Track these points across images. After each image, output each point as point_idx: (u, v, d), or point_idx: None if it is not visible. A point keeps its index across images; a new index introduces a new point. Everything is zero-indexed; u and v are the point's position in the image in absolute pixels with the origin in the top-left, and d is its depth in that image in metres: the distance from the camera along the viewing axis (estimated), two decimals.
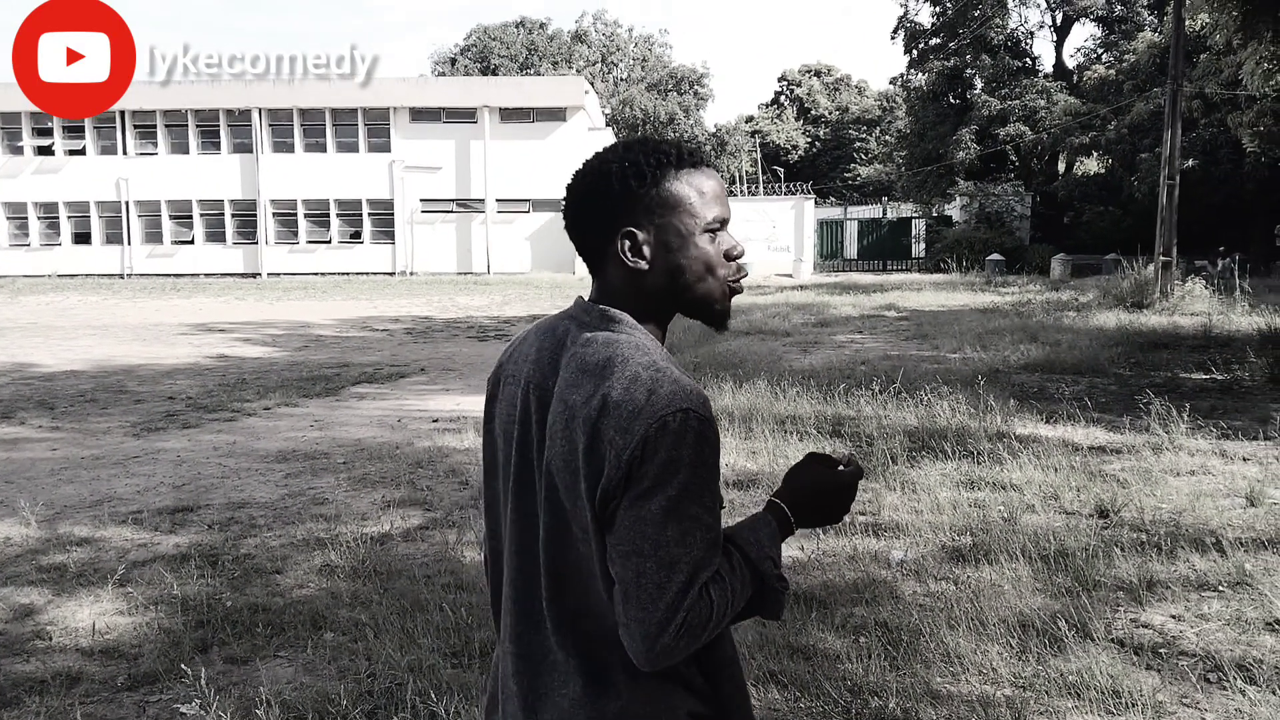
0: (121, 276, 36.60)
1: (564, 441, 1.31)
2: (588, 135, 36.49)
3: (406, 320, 19.82)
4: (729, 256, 1.43)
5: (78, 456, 7.57)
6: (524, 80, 43.04)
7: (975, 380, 8.73)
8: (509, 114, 36.12)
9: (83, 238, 37.49)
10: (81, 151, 37.11)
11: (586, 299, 1.45)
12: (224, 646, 3.90)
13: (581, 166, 1.46)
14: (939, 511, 5.46)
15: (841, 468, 1.47)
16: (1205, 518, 5.26)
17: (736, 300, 1.49)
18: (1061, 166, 38.86)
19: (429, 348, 15.05)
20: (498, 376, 1.51)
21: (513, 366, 1.47)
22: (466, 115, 36.43)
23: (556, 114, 35.97)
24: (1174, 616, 4.03)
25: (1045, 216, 37.21)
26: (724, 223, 1.44)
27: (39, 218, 37.40)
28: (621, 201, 1.39)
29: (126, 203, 36.91)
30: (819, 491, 1.45)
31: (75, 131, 36.99)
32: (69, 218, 37.41)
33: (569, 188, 1.45)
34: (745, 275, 1.49)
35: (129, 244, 37.12)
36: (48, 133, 37.09)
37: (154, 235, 37.54)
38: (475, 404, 9.77)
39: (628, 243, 1.39)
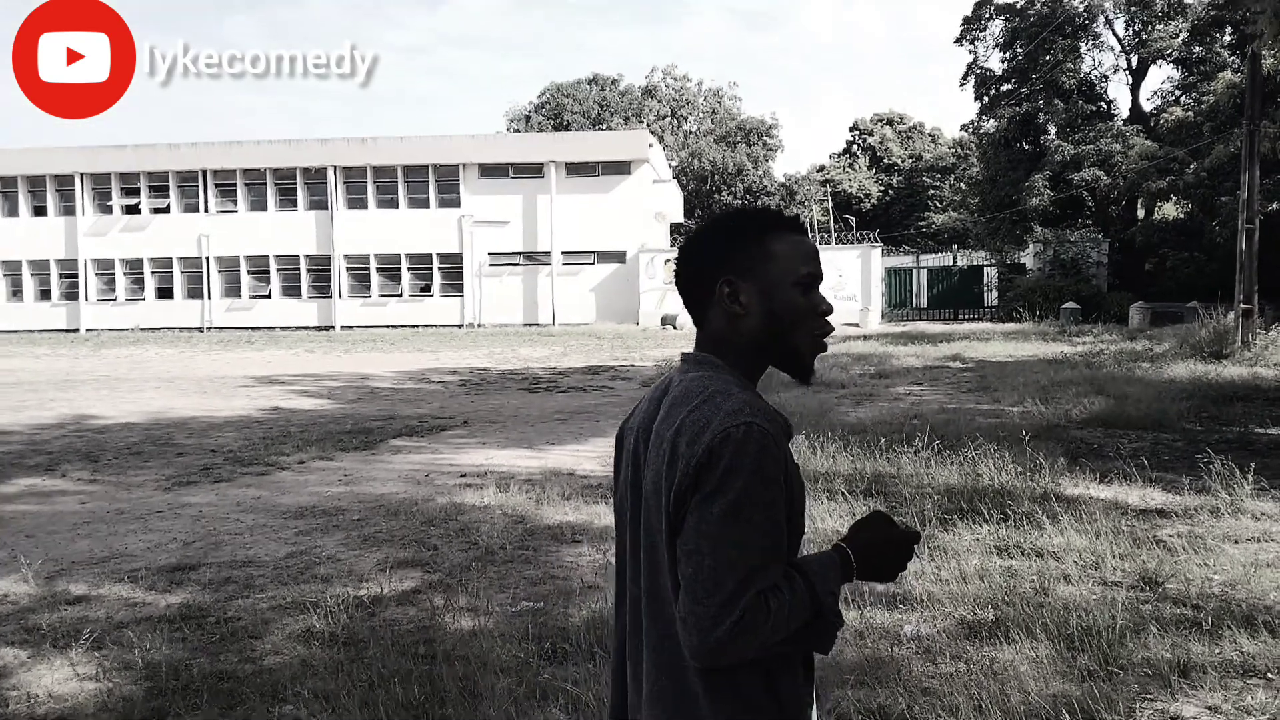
0: (201, 330, 37.73)
1: (654, 466, 1.48)
2: (652, 187, 36.73)
3: (464, 372, 19.89)
4: (819, 312, 1.58)
5: (103, 511, 7.58)
6: (589, 135, 43.63)
7: (1027, 436, 8.24)
8: (574, 168, 36.54)
9: (165, 292, 38.84)
10: (166, 209, 38.60)
11: (690, 351, 1.63)
12: (177, 718, 3.73)
13: (694, 229, 1.67)
14: (965, 581, 5.06)
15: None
16: (1260, 592, 4.78)
17: None
18: (1141, 212, 37.66)
19: (478, 400, 15.00)
20: (622, 432, 1.68)
21: (633, 420, 1.64)
22: (533, 170, 36.96)
23: (621, 167, 36.26)
24: (1210, 708, 3.59)
25: (1123, 263, 36.02)
26: (815, 279, 1.59)
27: (125, 273, 38.89)
28: (726, 254, 1.57)
29: (207, 258, 38.18)
30: (882, 547, 1.55)
31: (160, 190, 38.55)
32: (153, 273, 38.83)
33: (680, 247, 1.66)
34: (832, 330, 1.63)
35: (209, 298, 38.31)
36: (135, 192, 38.73)
37: (233, 290, 38.69)
38: (506, 458, 9.62)
39: (727, 289, 1.56)
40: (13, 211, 39.29)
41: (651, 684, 1.50)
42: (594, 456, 9.45)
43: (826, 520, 6.24)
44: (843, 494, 6.93)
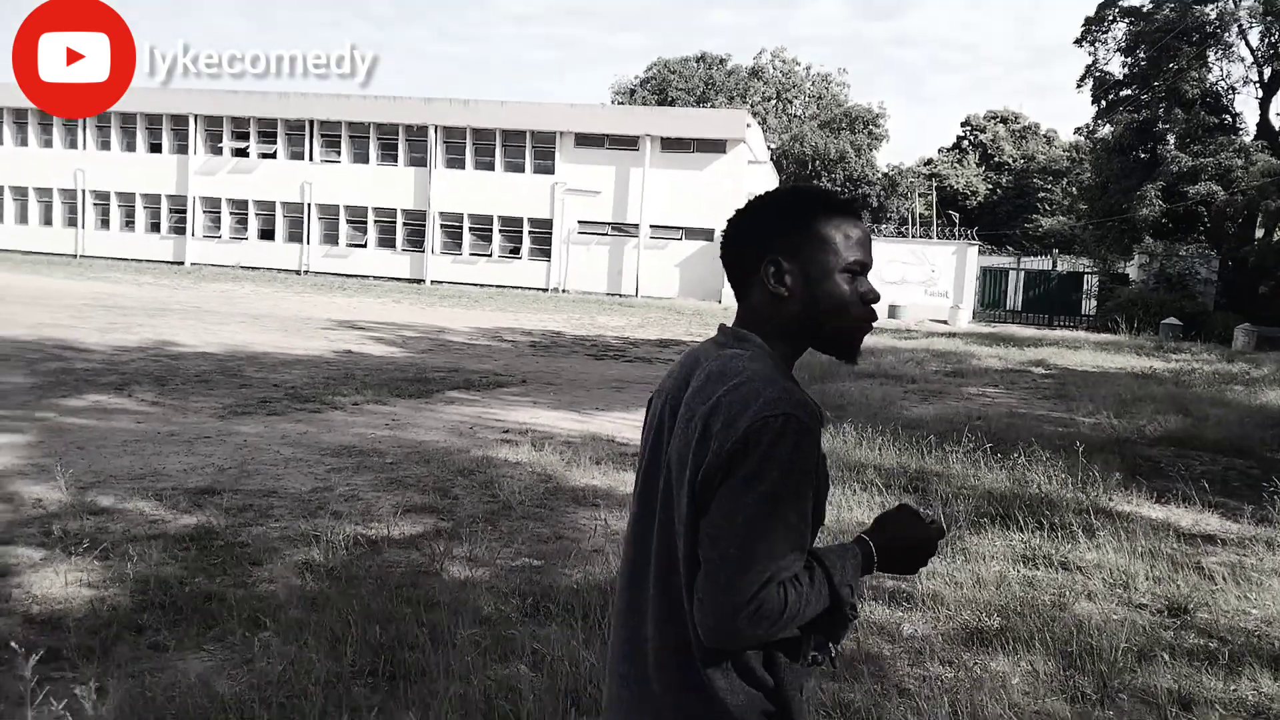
0: (299, 273, 38.78)
1: (682, 437, 1.45)
2: (747, 168, 36.25)
3: (538, 334, 20.02)
4: (864, 300, 1.54)
5: (155, 431, 7.83)
6: (687, 111, 43.35)
7: (1081, 447, 7.87)
8: (670, 143, 36.31)
9: (267, 234, 40.00)
10: (273, 155, 39.67)
11: (730, 324, 1.60)
12: (157, 633, 3.81)
13: (746, 202, 1.61)
14: (980, 586, 4.85)
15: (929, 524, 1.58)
16: None
17: (875, 342, 1.73)
18: (1259, 232, 35.69)
19: (543, 362, 15.07)
20: (651, 397, 1.68)
21: (662, 384, 1.65)
22: (629, 143, 36.86)
23: (717, 145, 35.89)
24: None
25: (1235, 284, 34.23)
26: (864, 267, 1.55)
27: (230, 213, 40.16)
28: (774, 233, 1.54)
29: (309, 205, 39.15)
30: (905, 541, 1.55)
31: (268, 137, 39.63)
32: (256, 215, 40.00)
33: (730, 219, 1.60)
34: (875, 320, 1.60)
35: (308, 243, 39.33)
36: (244, 136, 39.89)
37: (331, 237, 39.64)
38: (552, 418, 9.63)
39: (773, 269, 1.52)
40: (130, 147, 40.88)
41: (655, 651, 1.49)
42: (638, 425, 9.29)
43: (854, 511, 6.07)
44: (878, 486, 6.73)
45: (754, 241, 1.56)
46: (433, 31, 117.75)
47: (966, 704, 3.44)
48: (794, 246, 1.53)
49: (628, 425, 9.47)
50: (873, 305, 1.56)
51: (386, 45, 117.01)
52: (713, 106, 55.53)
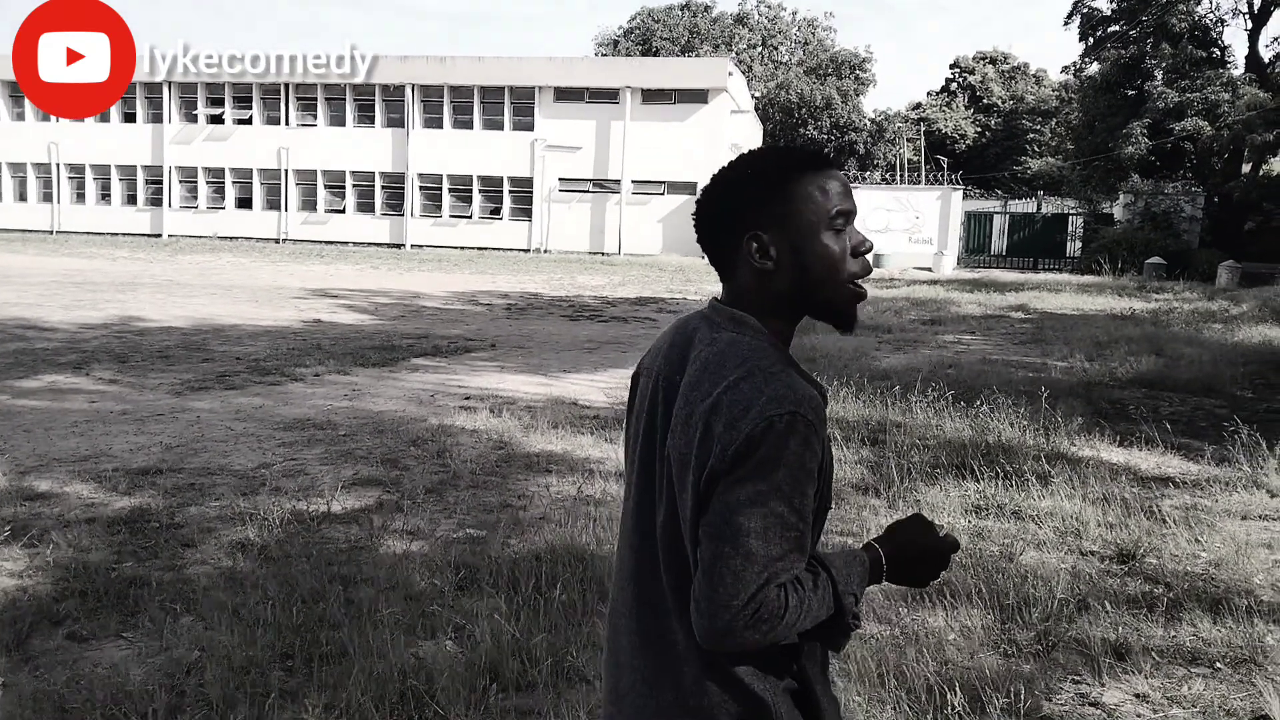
0: (277, 241, 38.42)
1: (683, 434, 1.38)
2: (730, 118, 35.87)
3: (514, 296, 19.85)
4: (855, 252, 1.45)
5: (107, 411, 7.72)
6: (667, 61, 42.78)
7: (1045, 392, 7.79)
8: (651, 95, 35.85)
9: (245, 203, 39.58)
10: (248, 121, 39.11)
11: (719, 300, 1.50)
12: (76, 622, 3.73)
13: (711, 178, 1.52)
14: None
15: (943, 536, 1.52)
16: (1246, 574, 4.42)
17: None
18: (1246, 168, 35.42)
19: (516, 325, 14.94)
20: (638, 373, 1.59)
21: (649, 360, 1.56)
22: (609, 96, 36.38)
23: (699, 96, 35.45)
24: (1137, 696, 3.31)
25: (1220, 220, 34.07)
26: (848, 217, 1.45)
27: (207, 182, 39.68)
28: (749, 206, 1.44)
29: (286, 171, 38.69)
30: (918, 552, 1.48)
31: (244, 102, 39.06)
32: (233, 183, 39.53)
33: (699, 199, 1.51)
34: (870, 272, 1.51)
35: (286, 210, 38.92)
36: (219, 102, 39.30)
37: (309, 203, 39.22)
38: (518, 383, 9.54)
39: (755, 244, 1.43)
40: (104, 118, 40.20)
41: (685, 646, 1.43)
42: (604, 388, 9.30)
43: None
44: (836, 440, 6.65)
45: (729, 218, 1.46)
46: (370, 50, 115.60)
47: (895, 663, 3.38)
48: (772, 215, 1.43)
49: (595, 387, 9.37)
50: (865, 255, 1.47)
51: (369, 3, 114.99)
52: (698, 55, 54.75)
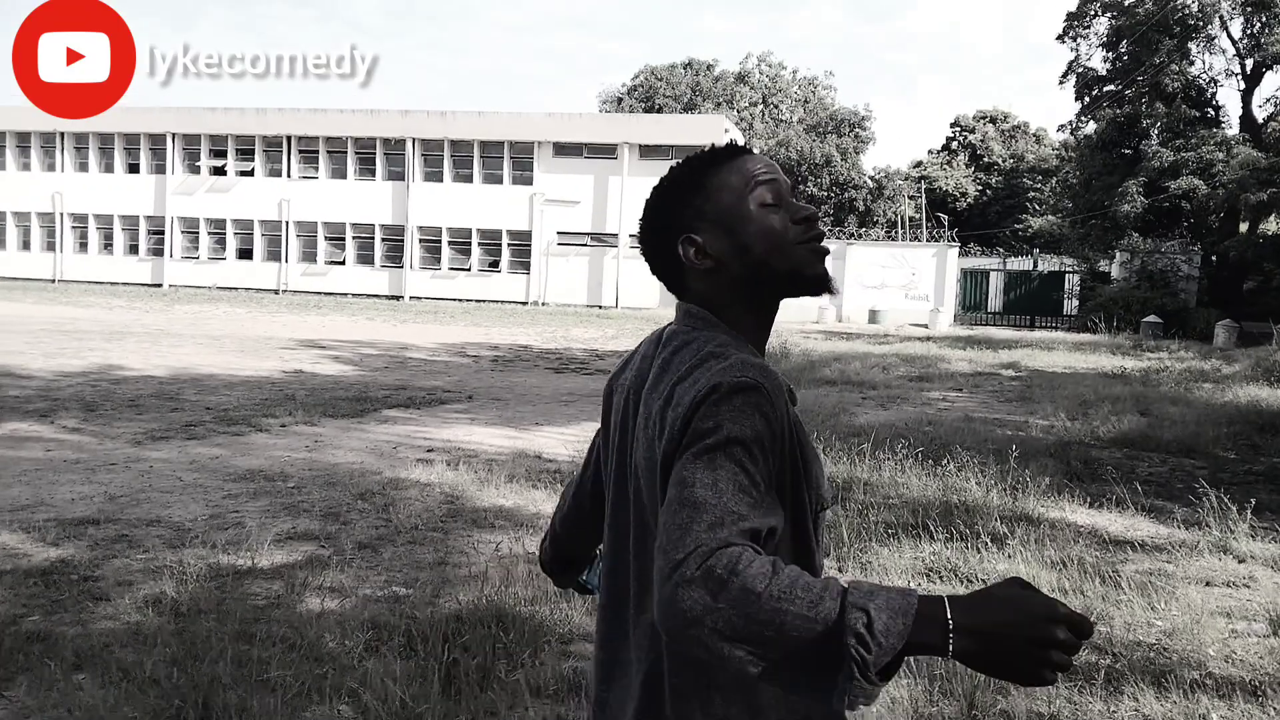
0: (277, 292, 38.57)
1: (645, 440, 1.31)
2: None
3: (504, 348, 19.78)
4: (795, 219, 1.38)
5: (60, 460, 7.58)
6: (665, 117, 43.23)
7: (1016, 451, 7.63)
8: (648, 150, 36.20)
9: (246, 254, 39.84)
10: (251, 173, 39.52)
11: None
12: None
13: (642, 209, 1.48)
14: None
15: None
16: (1200, 644, 4.22)
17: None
18: (1243, 227, 35.50)
19: (499, 377, 14.84)
20: (611, 388, 1.51)
21: (626, 377, 1.48)
22: (607, 151, 36.74)
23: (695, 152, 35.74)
24: None
25: (1218, 280, 34.03)
26: (774, 188, 1.38)
27: (209, 233, 40.01)
28: (674, 212, 1.41)
29: (287, 222, 39.00)
30: (1019, 617, 1.03)
31: (246, 154, 39.51)
32: (235, 234, 39.85)
33: (637, 232, 1.49)
34: (822, 232, 1.42)
35: (286, 262, 39.16)
36: (222, 154, 39.77)
37: (309, 254, 39.47)
38: (485, 435, 9.40)
39: (691, 248, 1.38)
40: (108, 168, 40.73)
41: (642, 667, 1.33)
42: (570, 440, 9.14)
43: None
44: None
45: (660, 234, 1.44)
46: (423, 42, 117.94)
47: None
48: (698, 213, 1.39)
49: (563, 441, 9.22)
50: (808, 217, 1.38)
51: (380, 57, 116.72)
52: (700, 113, 55.40)
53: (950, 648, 1.01)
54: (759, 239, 1.36)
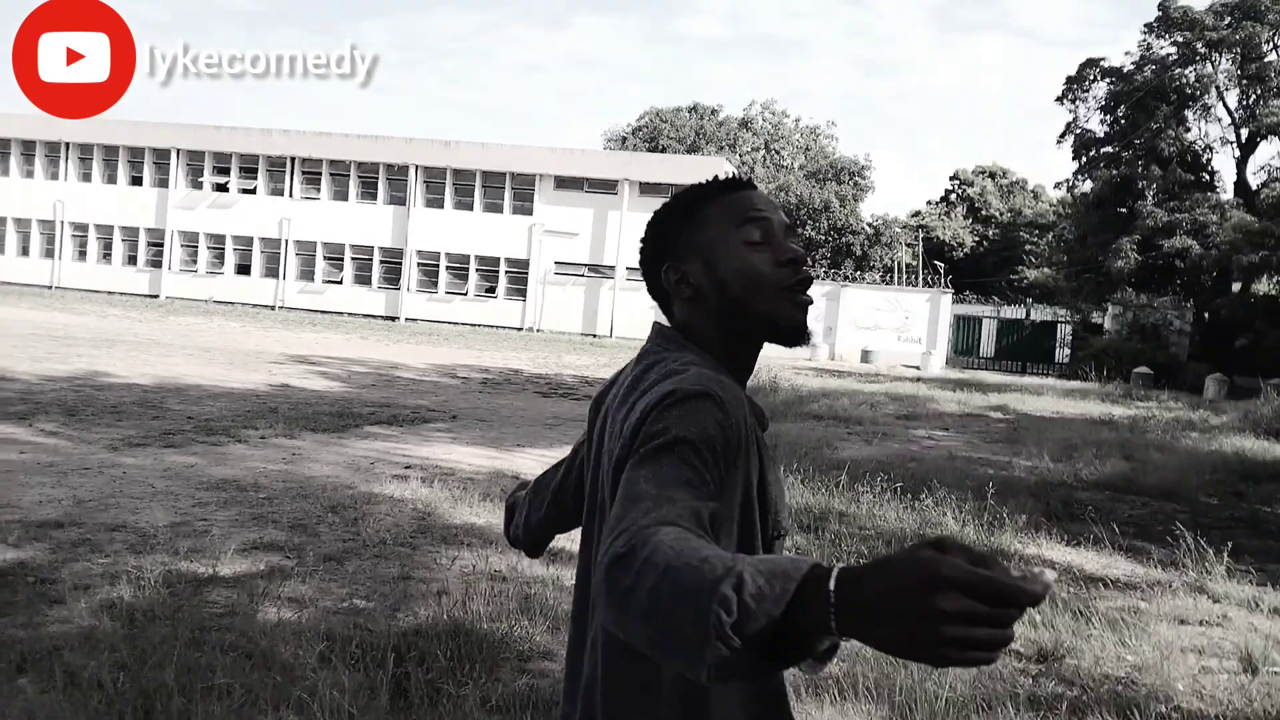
0: (273, 308, 38.57)
1: (609, 453, 1.29)
2: None
3: (495, 371, 19.75)
4: (781, 261, 1.35)
5: (34, 462, 7.51)
6: (666, 157, 43.60)
7: (992, 489, 7.59)
8: (648, 188, 36.41)
9: (244, 269, 39.89)
10: (253, 191, 39.67)
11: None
12: None
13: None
14: None
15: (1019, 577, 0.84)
16: (1170, 679, 4.17)
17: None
18: (1236, 287, 35.68)
19: (486, 398, 14.79)
20: (598, 405, 1.47)
21: (610, 392, 1.45)
22: (607, 186, 36.98)
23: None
24: None
25: (1211, 336, 34.14)
26: (767, 230, 1.36)
27: (208, 248, 40.07)
28: (666, 239, 1.42)
29: (286, 240, 39.07)
30: (897, 585, 0.83)
31: (249, 172, 39.68)
32: (234, 249, 39.91)
33: (639, 252, 1.48)
34: (809, 280, 1.38)
35: (284, 279, 39.19)
36: (225, 171, 39.93)
37: (307, 273, 39.51)
38: (465, 454, 9.35)
39: (674, 276, 1.39)
40: (112, 179, 40.87)
41: (586, 675, 1.32)
42: (552, 462, 9.08)
43: None
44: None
45: (652, 259, 1.44)
46: (440, 78, 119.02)
47: None
48: (687, 243, 1.39)
49: (542, 463, 9.16)
50: (794, 260, 1.35)
51: (394, 89, 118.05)
52: (704, 155, 55.80)
53: (833, 622, 0.85)
54: (736, 277, 1.35)
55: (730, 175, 1.44)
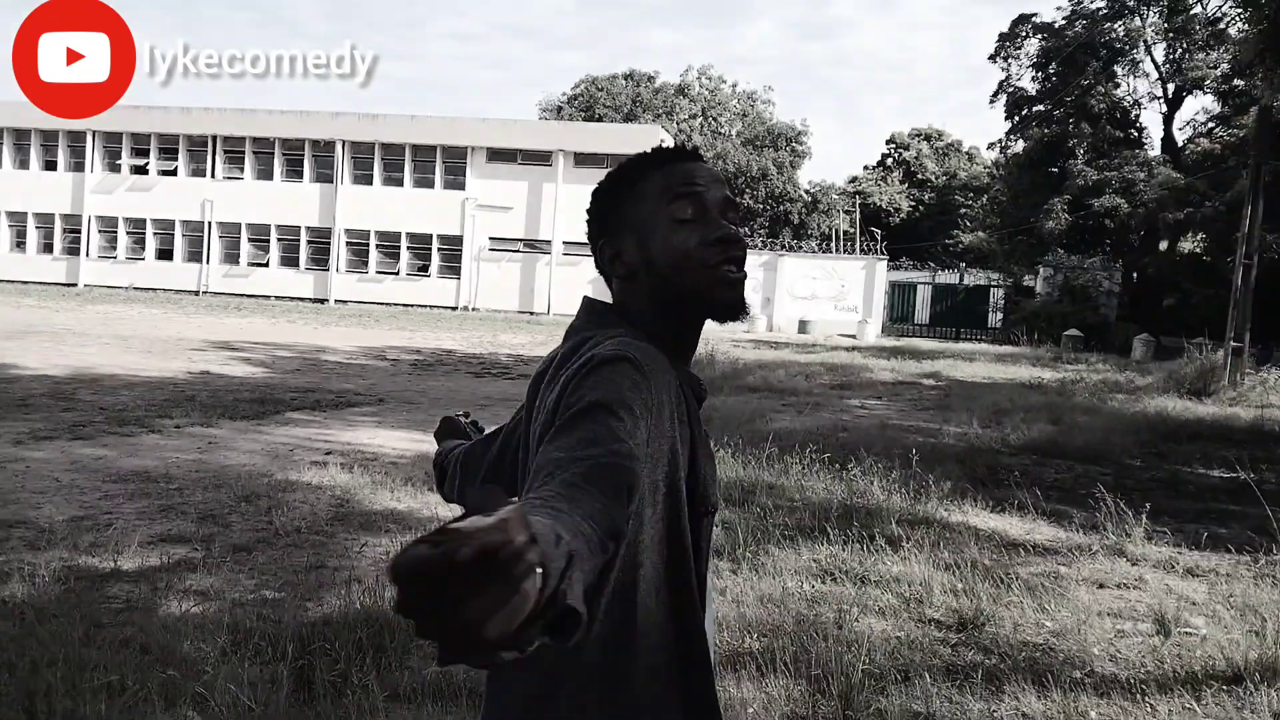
0: (197, 294, 37.57)
1: (534, 437, 1.26)
2: None
3: (426, 353, 19.43)
4: (706, 241, 1.29)
5: None
6: (601, 126, 43.22)
7: (916, 456, 7.63)
8: (583, 159, 36.06)
9: (166, 254, 38.76)
10: (173, 172, 38.48)
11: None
12: None
13: None
14: (763, 604, 4.51)
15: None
16: (1087, 644, 4.20)
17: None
18: (1163, 245, 36.57)
19: (416, 380, 14.53)
20: (536, 383, 1.36)
21: (542, 368, 1.38)
22: (541, 158, 36.54)
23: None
24: None
25: (1138, 295, 35.00)
26: (699, 206, 1.30)
27: (127, 233, 38.83)
28: (606, 214, 1.37)
29: (209, 223, 38.02)
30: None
31: (169, 153, 38.46)
32: (154, 234, 38.74)
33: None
34: (740, 258, 1.32)
35: (207, 263, 38.17)
36: (144, 152, 38.66)
37: (232, 256, 38.53)
38: (390, 438, 9.14)
39: (609, 253, 1.36)
40: (24, 164, 39.34)
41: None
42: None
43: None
44: None
45: (592, 234, 1.40)
46: (367, 48, 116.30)
47: None
48: (621, 219, 1.34)
49: None
50: (723, 239, 1.29)
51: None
52: (640, 124, 55.44)
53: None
54: (664, 255, 1.30)
55: (675, 145, 1.38)
